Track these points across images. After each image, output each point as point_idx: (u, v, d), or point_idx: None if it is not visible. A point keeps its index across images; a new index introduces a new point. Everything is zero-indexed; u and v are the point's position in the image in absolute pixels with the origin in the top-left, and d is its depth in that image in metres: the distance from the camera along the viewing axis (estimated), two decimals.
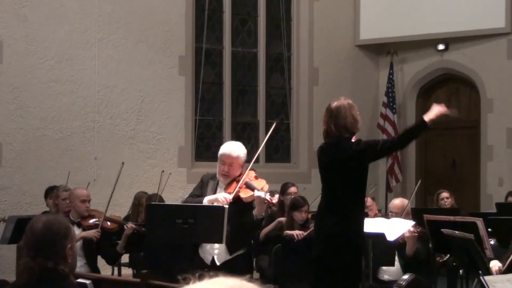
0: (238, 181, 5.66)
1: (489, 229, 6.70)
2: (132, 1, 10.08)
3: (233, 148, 5.80)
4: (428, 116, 5.03)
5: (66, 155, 9.58)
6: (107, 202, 7.00)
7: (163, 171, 8.13)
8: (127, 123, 10.04)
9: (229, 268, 5.34)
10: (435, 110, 5.03)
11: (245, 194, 5.60)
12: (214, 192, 5.74)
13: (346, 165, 5.13)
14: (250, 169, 5.77)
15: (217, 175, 5.79)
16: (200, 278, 1.42)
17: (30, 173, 9.38)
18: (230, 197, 5.53)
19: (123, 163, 7.34)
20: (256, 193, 5.51)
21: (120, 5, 9.98)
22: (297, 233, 7.09)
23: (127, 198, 8.74)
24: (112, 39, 9.94)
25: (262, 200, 5.49)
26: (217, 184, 5.81)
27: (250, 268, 5.92)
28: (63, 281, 3.09)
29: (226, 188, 5.70)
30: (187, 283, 1.44)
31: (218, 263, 5.66)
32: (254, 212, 5.60)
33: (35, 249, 3.08)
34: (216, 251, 5.69)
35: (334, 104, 5.22)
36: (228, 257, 5.66)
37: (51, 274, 3.06)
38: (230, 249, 5.63)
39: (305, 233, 6.98)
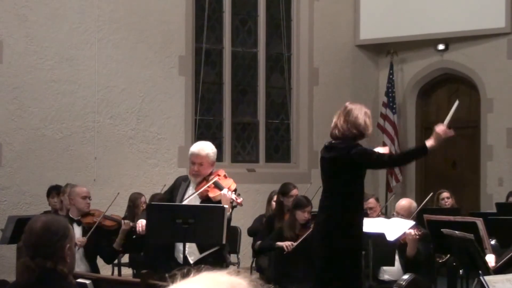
0: (208, 181, 5.80)
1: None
2: (132, 1, 10.07)
3: (202, 147, 5.95)
4: (429, 142, 5.03)
5: (66, 155, 9.58)
6: (106, 208, 7.04)
7: (165, 185, 8.10)
8: (127, 123, 10.04)
9: (202, 266, 5.42)
10: (438, 136, 5.02)
11: (213, 193, 5.78)
12: (184, 193, 5.83)
13: (343, 166, 5.17)
14: (220, 169, 5.96)
15: (188, 175, 5.90)
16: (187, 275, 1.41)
17: (30, 173, 9.37)
18: None
19: (118, 193, 7.51)
20: (223, 192, 5.68)
21: (120, 5, 9.98)
22: (286, 244, 7.10)
23: (127, 198, 8.72)
24: (112, 39, 9.93)
25: (228, 199, 5.65)
26: (188, 184, 5.91)
27: (223, 265, 6.03)
28: (62, 281, 3.09)
29: (196, 188, 5.84)
30: (173, 281, 1.43)
31: (191, 262, 5.73)
32: None
33: (34, 249, 3.08)
34: (186, 250, 5.74)
35: (351, 105, 5.32)
36: (199, 255, 5.75)
37: (50, 274, 3.06)
38: (200, 247, 5.71)
39: (296, 243, 6.99)
